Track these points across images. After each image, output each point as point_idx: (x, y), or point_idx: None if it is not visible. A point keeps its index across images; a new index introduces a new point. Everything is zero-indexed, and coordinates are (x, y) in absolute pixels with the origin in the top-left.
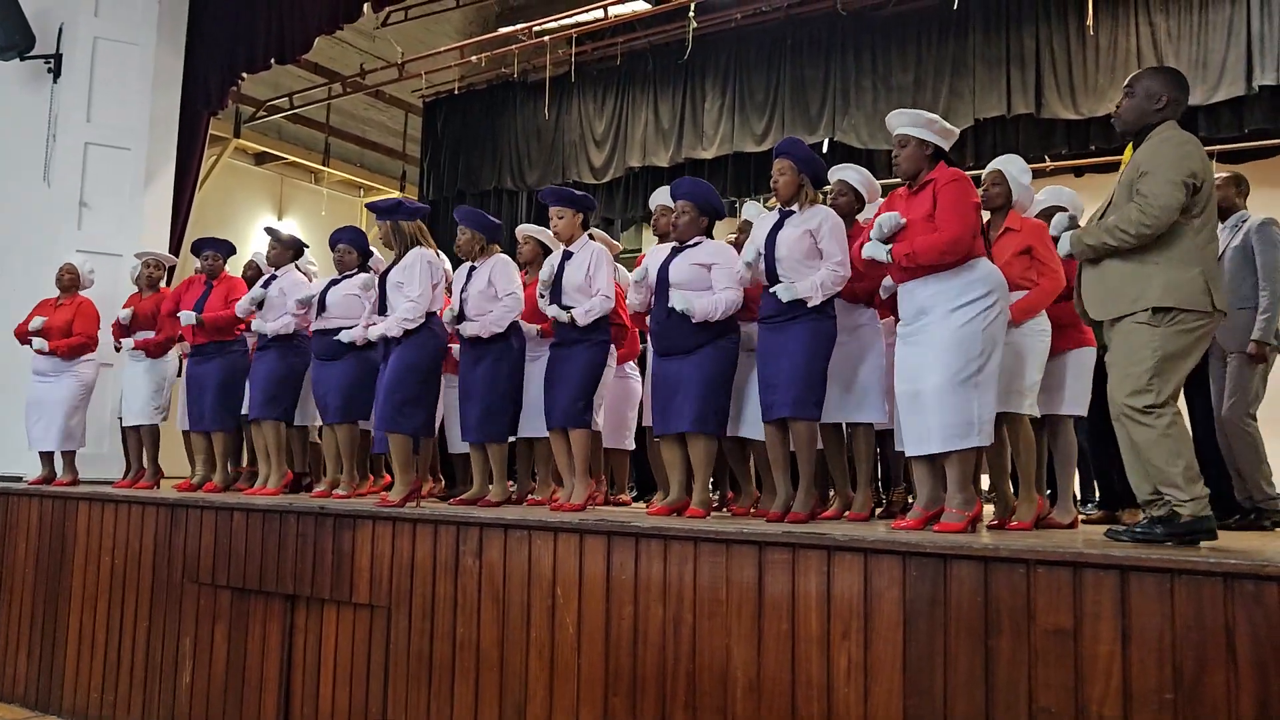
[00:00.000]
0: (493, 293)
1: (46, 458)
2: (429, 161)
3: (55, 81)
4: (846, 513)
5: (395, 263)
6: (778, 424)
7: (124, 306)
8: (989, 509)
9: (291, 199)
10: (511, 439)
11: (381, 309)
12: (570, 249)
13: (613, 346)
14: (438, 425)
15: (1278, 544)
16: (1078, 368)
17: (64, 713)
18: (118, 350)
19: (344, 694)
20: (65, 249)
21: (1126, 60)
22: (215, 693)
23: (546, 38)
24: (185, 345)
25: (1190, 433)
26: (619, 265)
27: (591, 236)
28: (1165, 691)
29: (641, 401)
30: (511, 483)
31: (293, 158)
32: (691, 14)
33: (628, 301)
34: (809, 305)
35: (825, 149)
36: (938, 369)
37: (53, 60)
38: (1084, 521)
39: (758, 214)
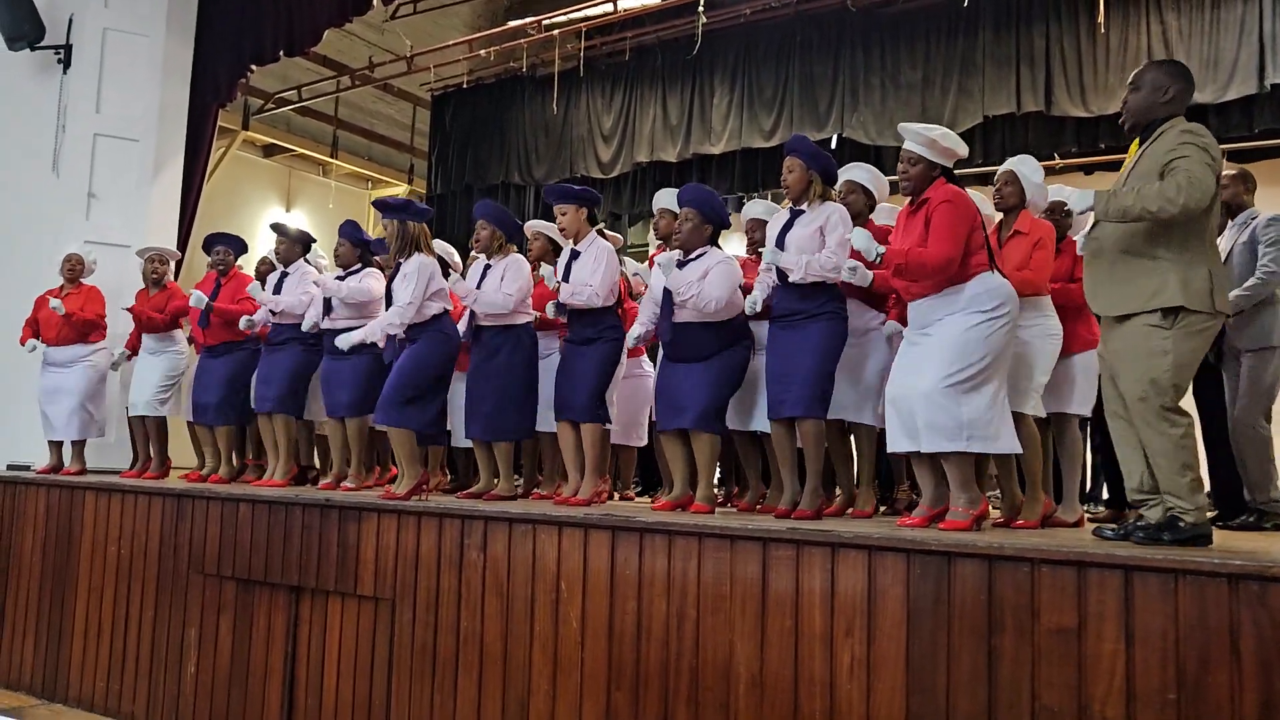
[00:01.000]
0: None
1: (55, 447)
2: (437, 155)
3: (65, 72)
4: (850, 510)
5: (398, 267)
6: (785, 422)
7: (133, 308)
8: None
9: (299, 191)
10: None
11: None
12: (578, 247)
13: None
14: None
15: None
16: (1085, 369)
17: (70, 701)
18: (130, 356)
19: (348, 686)
20: (73, 239)
21: (1137, 58)
22: (220, 683)
23: (555, 32)
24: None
25: (1200, 437)
26: (626, 258)
27: (601, 233)
28: (1168, 691)
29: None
30: (517, 477)
31: (301, 150)
32: (701, 9)
33: (640, 313)
34: (790, 278)
35: (833, 145)
36: (931, 369)
37: (62, 51)
38: (1090, 520)
39: (767, 213)
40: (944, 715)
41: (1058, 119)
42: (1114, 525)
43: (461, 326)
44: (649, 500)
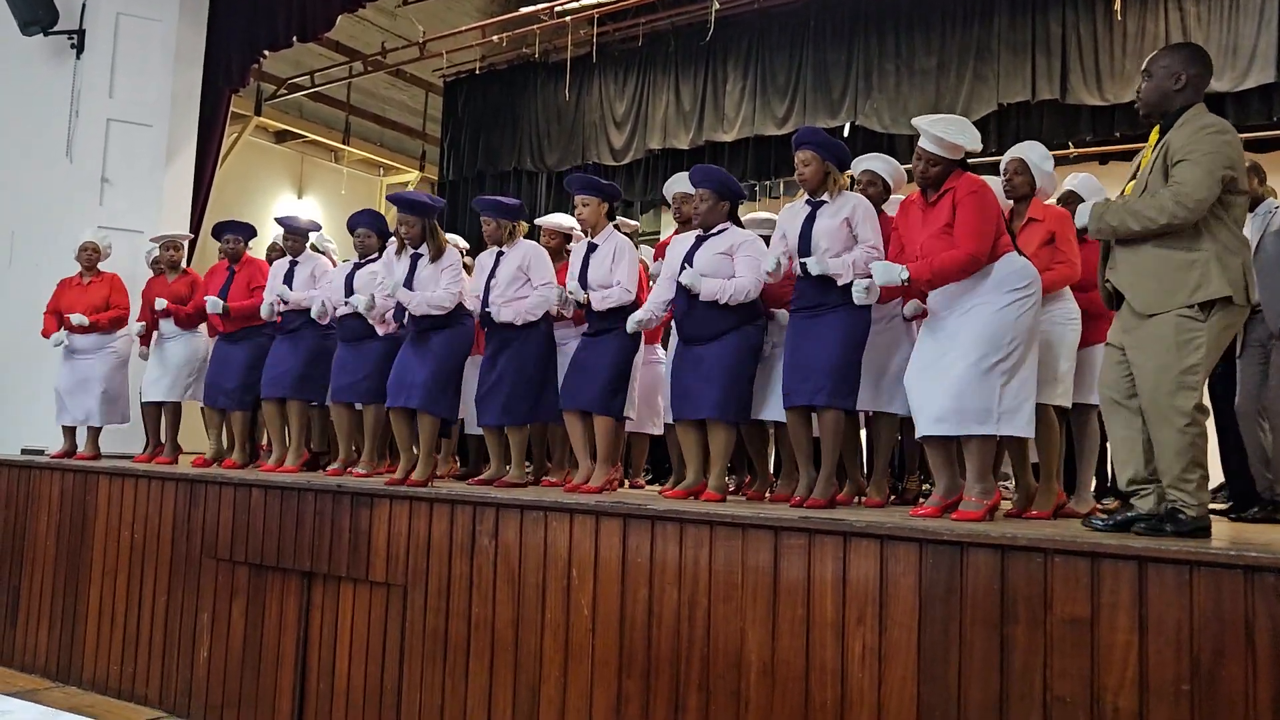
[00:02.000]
0: (523, 279)
1: (68, 432)
2: (449, 141)
3: (78, 57)
4: (861, 499)
5: (416, 259)
6: (800, 411)
7: (154, 294)
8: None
9: (311, 177)
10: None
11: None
12: (595, 240)
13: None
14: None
15: None
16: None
17: (84, 684)
18: (144, 339)
19: (359, 671)
20: (87, 225)
21: (1155, 45)
22: (232, 667)
23: (568, 18)
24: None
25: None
26: (640, 245)
27: (617, 227)
28: (1182, 682)
29: None
30: (527, 464)
31: (313, 136)
32: None
33: (651, 296)
34: (839, 284)
35: (846, 133)
36: (963, 354)
37: (76, 36)
38: (1103, 512)
39: (785, 208)
40: (955, 704)
41: (1073, 107)
42: (1104, 515)
43: (471, 305)
44: (659, 487)
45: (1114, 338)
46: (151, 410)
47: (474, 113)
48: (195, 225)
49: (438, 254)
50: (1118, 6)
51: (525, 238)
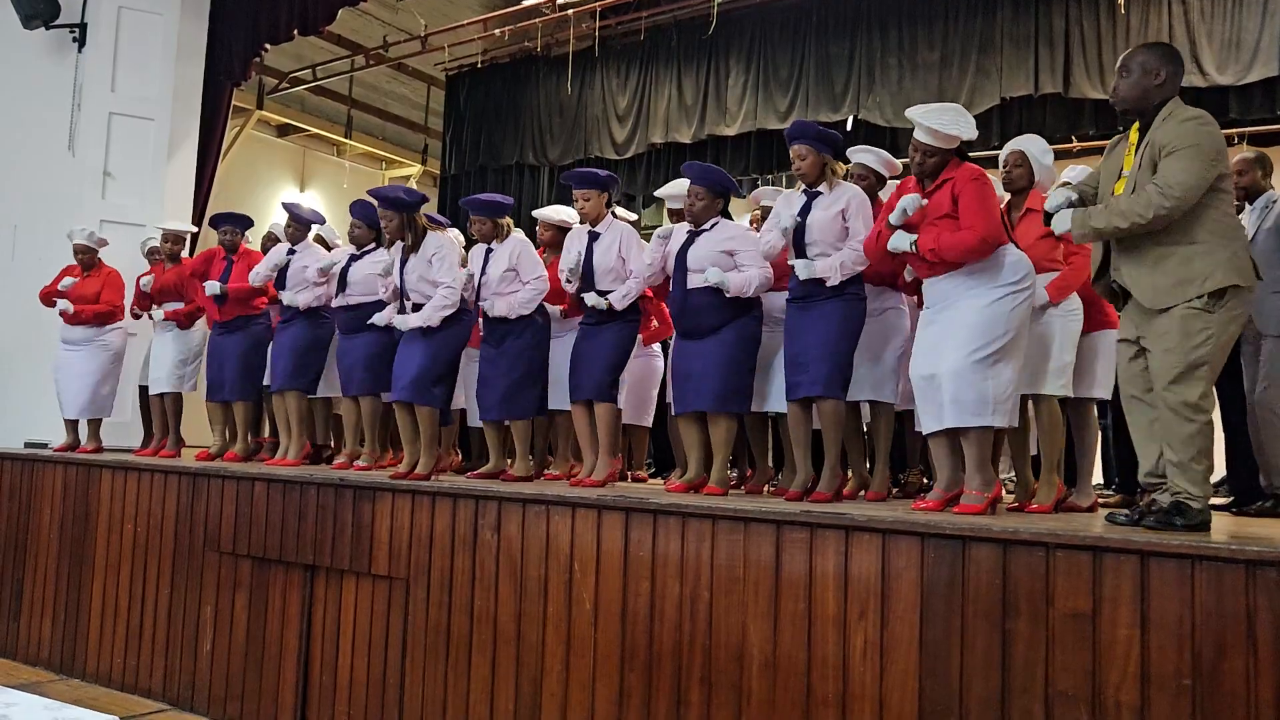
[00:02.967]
0: (513, 274)
1: (71, 425)
2: (451, 135)
3: (80, 51)
4: (863, 492)
5: (408, 253)
6: (801, 403)
7: (144, 275)
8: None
9: (313, 171)
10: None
11: (400, 297)
12: (597, 229)
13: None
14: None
15: None
16: (1103, 350)
17: (87, 677)
18: (136, 318)
19: (362, 664)
20: (89, 218)
21: (1158, 38)
22: (235, 660)
23: (570, 11)
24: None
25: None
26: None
27: (615, 215)
28: (1184, 677)
29: (663, 378)
30: (530, 457)
31: (315, 130)
32: None
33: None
34: (827, 285)
35: (849, 127)
36: (957, 345)
37: (77, 30)
38: (1103, 505)
39: (779, 195)
40: (957, 699)
41: (1076, 101)
42: (1127, 510)
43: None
44: (662, 481)
45: (1126, 333)
46: (156, 402)
47: (476, 107)
48: (197, 219)
49: (415, 245)
50: (1121, 1)
51: (522, 230)
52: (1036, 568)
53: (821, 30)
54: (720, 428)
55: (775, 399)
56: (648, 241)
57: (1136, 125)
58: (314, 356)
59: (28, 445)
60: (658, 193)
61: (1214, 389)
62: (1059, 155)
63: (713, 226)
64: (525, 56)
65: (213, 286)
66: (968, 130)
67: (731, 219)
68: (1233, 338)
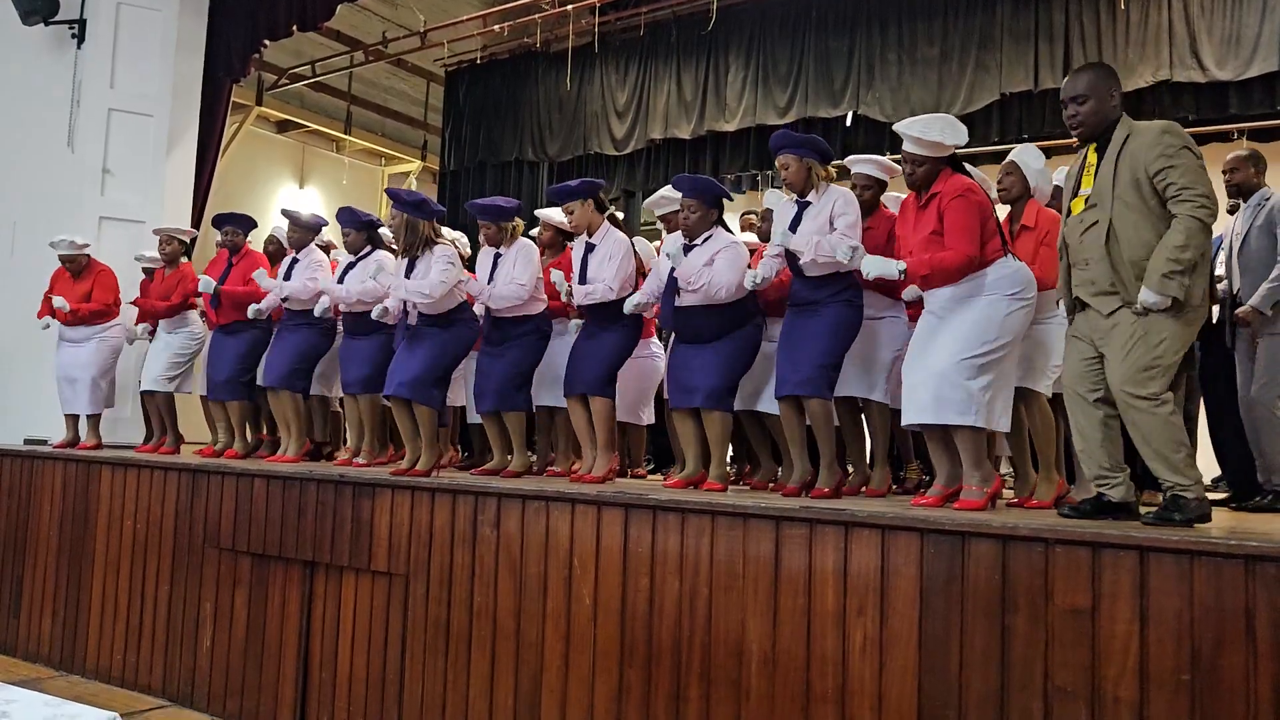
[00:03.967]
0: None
1: (71, 421)
2: (450, 131)
3: (79, 47)
4: (863, 489)
5: (414, 259)
6: (792, 401)
7: (144, 285)
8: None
9: (313, 168)
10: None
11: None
12: (592, 240)
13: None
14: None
15: None
16: None
17: (87, 673)
18: (151, 335)
19: (362, 660)
20: (89, 215)
21: (1158, 35)
22: (235, 657)
23: (570, 7)
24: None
25: (1205, 419)
26: (638, 238)
27: (613, 221)
28: (1182, 672)
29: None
30: (531, 454)
31: (314, 126)
32: None
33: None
34: (800, 261)
35: (849, 122)
36: (949, 345)
37: (76, 26)
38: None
39: (779, 201)
40: (956, 695)
41: None
42: (1075, 504)
43: (479, 309)
44: (661, 478)
45: (1080, 332)
46: (149, 400)
47: (475, 102)
48: (197, 215)
49: (417, 249)
50: None
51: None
52: (1036, 563)
53: (821, 25)
54: (715, 424)
55: (766, 400)
56: (647, 240)
57: (1093, 147)
58: (308, 362)
59: (27, 442)
60: (645, 204)
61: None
62: (1058, 151)
63: (705, 240)
64: (525, 52)
65: (207, 284)
66: (952, 137)
67: (727, 226)
68: (1193, 335)
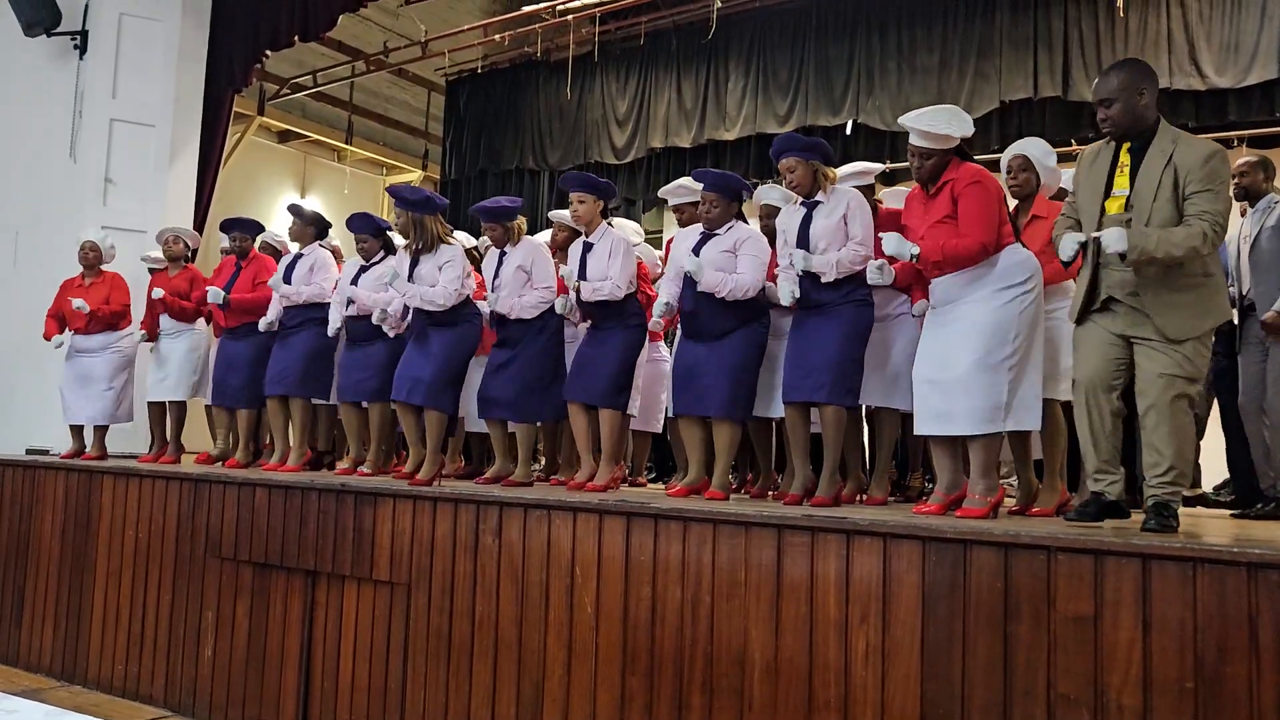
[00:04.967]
0: (524, 278)
1: (77, 431)
2: (451, 140)
3: (81, 58)
4: (863, 496)
5: (417, 255)
6: (800, 407)
7: (151, 285)
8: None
9: (314, 177)
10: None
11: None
12: (590, 239)
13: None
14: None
15: None
16: None
17: (88, 683)
18: (154, 339)
19: (364, 669)
20: (91, 225)
21: (1157, 42)
22: (236, 666)
23: (570, 16)
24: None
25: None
26: (646, 245)
27: (610, 224)
28: (1186, 680)
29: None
30: (535, 464)
31: (316, 136)
32: None
33: (661, 291)
34: (823, 280)
35: (849, 130)
36: (969, 350)
37: (79, 37)
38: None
39: (783, 199)
40: (959, 702)
41: (1075, 104)
42: (1078, 507)
43: (484, 308)
44: (663, 486)
45: (1111, 328)
46: (155, 410)
47: (476, 112)
48: (199, 225)
49: (426, 248)
50: (1120, 3)
51: (530, 232)
52: (1038, 571)
53: (821, 34)
54: (724, 433)
55: (778, 404)
56: (652, 247)
57: (1126, 146)
58: (323, 364)
59: (29, 452)
60: (661, 191)
61: (1213, 392)
62: (1059, 158)
63: (726, 231)
64: (525, 61)
65: (215, 295)
66: (960, 128)
67: (746, 221)
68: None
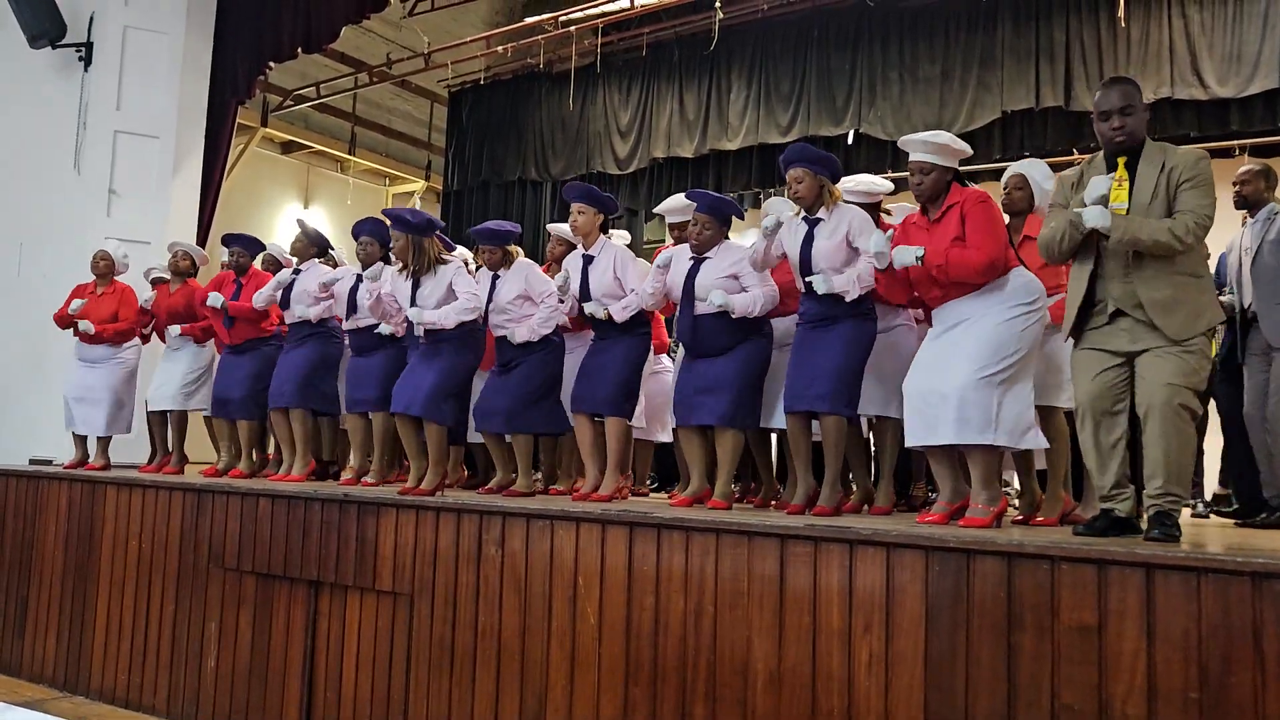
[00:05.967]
0: (524, 299)
1: (80, 441)
2: (454, 151)
3: (86, 70)
4: (867, 506)
5: (418, 277)
6: (801, 416)
7: (160, 306)
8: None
9: (317, 188)
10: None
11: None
12: (590, 252)
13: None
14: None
15: None
16: None
17: (91, 694)
18: (145, 341)
19: (366, 680)
20: (95, 236)
21: (1159, 52)
22: (239, 677)
23: (572, 28)
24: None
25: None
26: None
27: (609, 238)
28: (1190, 690)
29: None
30: (536, 474)
31: (319, 147)
32: (718, 4)
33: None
34: (846, 299)
35: (850, 141)
36: (967, 360)
37: (83, 49)
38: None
39: (786, 217)
40: (963, 713)
41: (1077, 114)
42: (1088, 522)
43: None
44: (665, 496)
45: (1107, 345)
46: (157, 420)
47: (479, 123)
48: (202, 236)
49: (425, 269)
50: (1122, 14)
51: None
52: (1042, 581)
53: (823, 45)
54: (727, 443)
55: (778, 416)
56: (646, 260)
57: (1123, 160)
58: (323, 375)
59: (32, 462)
60: (657, 209)
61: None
62: (1060, 168)
63: (717, 253)
64: (528, 73)
65: (215, 299)
66: (959, 145)
67: (734, 241)
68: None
